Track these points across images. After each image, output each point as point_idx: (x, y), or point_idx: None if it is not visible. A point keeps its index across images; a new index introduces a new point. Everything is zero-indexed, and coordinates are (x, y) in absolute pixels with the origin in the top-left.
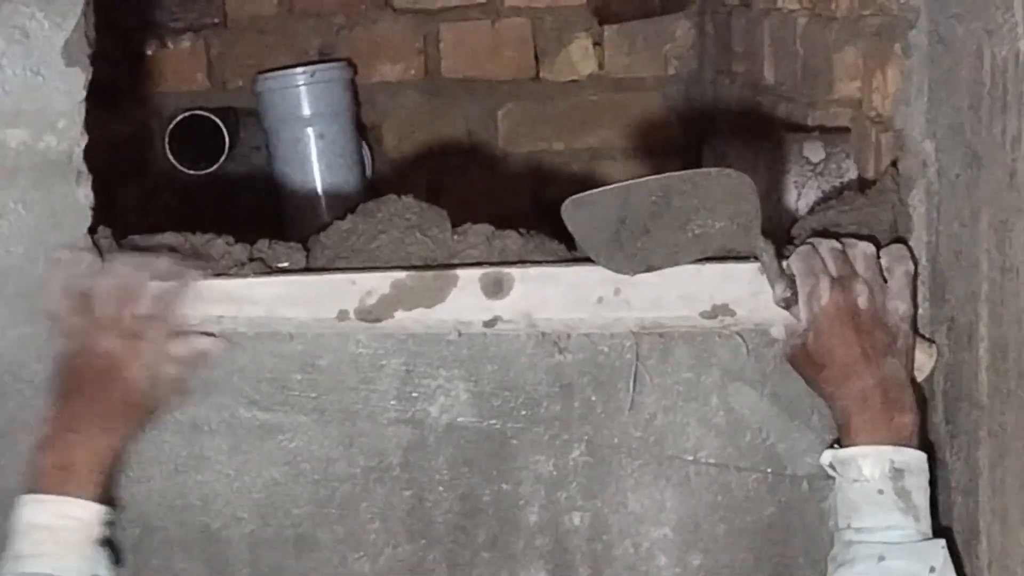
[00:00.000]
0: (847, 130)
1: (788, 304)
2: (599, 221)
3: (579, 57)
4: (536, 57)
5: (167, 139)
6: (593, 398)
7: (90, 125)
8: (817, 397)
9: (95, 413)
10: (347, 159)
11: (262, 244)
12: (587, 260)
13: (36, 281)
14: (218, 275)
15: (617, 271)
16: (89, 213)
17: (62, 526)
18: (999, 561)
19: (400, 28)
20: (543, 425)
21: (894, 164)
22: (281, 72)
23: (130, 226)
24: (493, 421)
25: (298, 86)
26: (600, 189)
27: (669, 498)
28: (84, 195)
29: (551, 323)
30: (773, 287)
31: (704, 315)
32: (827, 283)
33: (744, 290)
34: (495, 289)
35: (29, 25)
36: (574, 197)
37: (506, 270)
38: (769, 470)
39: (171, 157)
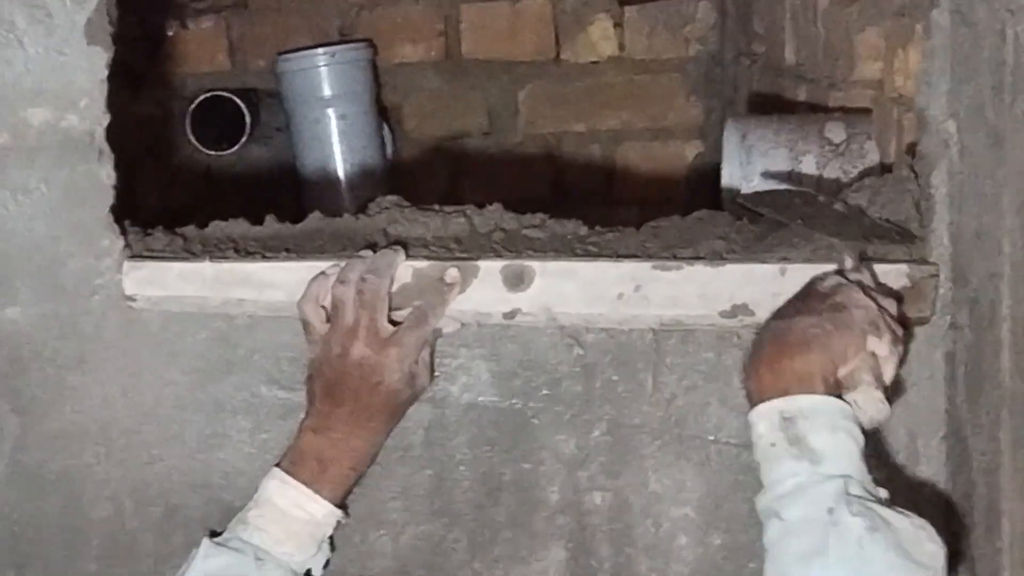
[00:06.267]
0: (869, 111)
1: None
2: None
3: (600, 38)
4: (557, 38)
5: (188, 120)
6: (614, 377)
7: (112, 105)
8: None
9: (354, 418)
10: (367, 140)
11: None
12: (606, 256)
13: (58, 259)
14: (240, 257)
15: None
16: (112, 192)
17: (296, 516)
18: (1021, 542)
19: (421, 9)
20: (564, 404)
21: (916, 145)
22: (302, 53)
23: (151, 205)
24: (514, 400)
25: (319, 67)
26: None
27: (690, 478)
28: (106, 174)
29: (570, 317)
30: None
31: (723, 314)
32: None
33: (764, 291)
34: (516, 281)
35: (51, 3)
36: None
37: (527, 263)
38: None
39: (192, 138)
